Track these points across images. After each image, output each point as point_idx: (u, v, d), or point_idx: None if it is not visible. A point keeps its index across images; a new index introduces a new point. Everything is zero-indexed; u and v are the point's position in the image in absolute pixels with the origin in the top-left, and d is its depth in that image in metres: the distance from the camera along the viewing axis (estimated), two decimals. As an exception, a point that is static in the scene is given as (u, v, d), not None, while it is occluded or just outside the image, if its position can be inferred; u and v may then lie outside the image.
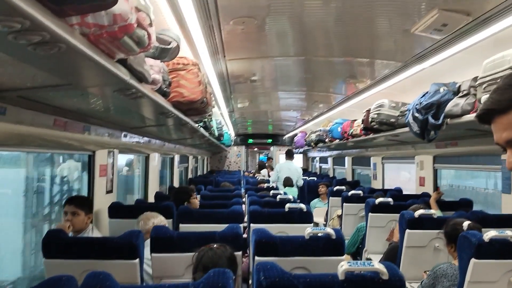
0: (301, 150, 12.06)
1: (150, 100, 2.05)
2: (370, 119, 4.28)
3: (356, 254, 4.16)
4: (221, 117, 7.43)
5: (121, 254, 2.02)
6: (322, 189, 6.44)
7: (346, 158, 8.41)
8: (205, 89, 2.69)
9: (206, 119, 4.65)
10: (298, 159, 13.58)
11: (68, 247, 2.08)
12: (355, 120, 5.48)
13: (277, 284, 1.35)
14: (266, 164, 11.64)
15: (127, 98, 1.86)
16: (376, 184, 6.28)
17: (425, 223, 2.90)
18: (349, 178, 7.99)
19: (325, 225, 5.46)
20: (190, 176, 8.45)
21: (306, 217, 3.08)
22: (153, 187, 5.04)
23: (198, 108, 2.87)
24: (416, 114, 3.06)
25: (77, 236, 2.67)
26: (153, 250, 2.21)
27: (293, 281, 1.35)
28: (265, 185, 6.13)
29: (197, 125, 3.96)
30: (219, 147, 9.78)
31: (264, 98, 6.59)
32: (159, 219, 2.80)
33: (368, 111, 4.42)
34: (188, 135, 4.94)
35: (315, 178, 8.20)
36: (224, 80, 4.48)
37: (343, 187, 5.38)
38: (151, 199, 4.82)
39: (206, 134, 5.09)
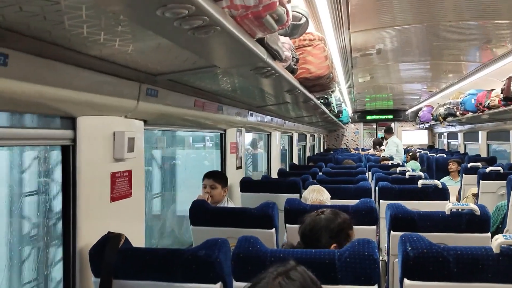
0: (427, 125, 11.23)
1: (281, 78, 2.11)
2: (511, 88, 3.82)
3: (496, 234, 3.77)
4: (340, 94, 7.28)
5: (259, 223, 2.16)
6: (452, 166, 5.99)
7: (480, 132, 7.57)
8: (331, 64, 2.67)
9: (327, 96, 4.63)
10: (423, 135, 12.75)
11: (212, 216, 2.30)
12: (493, 90, 4.89)
13: (425, 255, 1.30)
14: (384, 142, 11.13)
15: (261, 76, 1.94)
16: (517, 161, 5.58)
17: None
18: (483, 154, 7.21)
19: (458, 204, 5.05)
20: (308, 154, 8.54)
21: (441, 194, 2.90)
22: (276, 164, 5.25)
23: (323, 84, 2.86)
24: None
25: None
26: (286, 221, 2.31)
27: (442, 253, 1.29)
28: (390, 162, 5.89)
29: (318, 101, 3.97)
30: (336, 125, 9.63)
31: (386, 71, 6.25)
32: (327, 195, 2.77)
33: (509, 79, 3.98)
34: (307, 113, 4.98)
35: (444, 155, 7.57)
36: (346, 54, 4.38)
37: (478, 164, 4.89)
38: (273, 175, 5.03)
39: (326, 111, 5.06)
